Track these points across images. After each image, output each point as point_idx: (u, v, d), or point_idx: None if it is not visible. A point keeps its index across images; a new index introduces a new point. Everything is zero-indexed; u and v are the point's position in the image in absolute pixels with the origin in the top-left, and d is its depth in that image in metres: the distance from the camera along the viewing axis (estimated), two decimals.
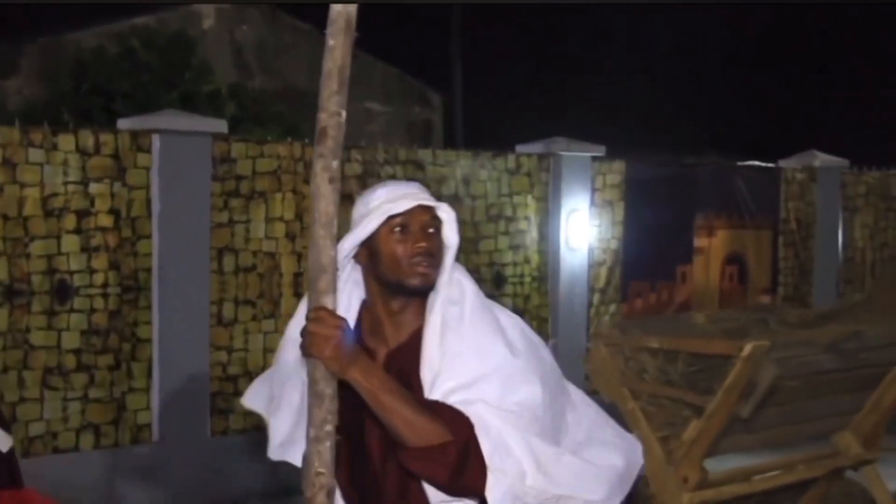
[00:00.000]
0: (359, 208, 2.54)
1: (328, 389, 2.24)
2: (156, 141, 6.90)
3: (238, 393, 6.82)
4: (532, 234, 8.89)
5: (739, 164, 11.07)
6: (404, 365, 2.50)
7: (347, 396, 2.35)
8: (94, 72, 12.14)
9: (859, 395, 5.50)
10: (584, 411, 2.65)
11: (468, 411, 2.36)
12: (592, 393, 5.40)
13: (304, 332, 2.27)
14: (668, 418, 5.13)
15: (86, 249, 6.71)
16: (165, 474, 6.98)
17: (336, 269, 2.25)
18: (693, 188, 9.84)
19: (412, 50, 16.58)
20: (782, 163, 10.80)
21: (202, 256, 7.11)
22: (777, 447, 5.84)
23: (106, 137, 6.78)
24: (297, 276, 7.53)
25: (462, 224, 8.76)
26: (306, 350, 2.27)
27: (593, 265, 9.20)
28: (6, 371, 6.44)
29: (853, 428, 5.53)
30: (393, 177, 7.99)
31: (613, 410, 5.18)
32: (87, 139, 6.70)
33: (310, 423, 2.27)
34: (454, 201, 8.33)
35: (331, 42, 2.20)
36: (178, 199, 6.97)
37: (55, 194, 6.59)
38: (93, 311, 6.76)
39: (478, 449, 2.34)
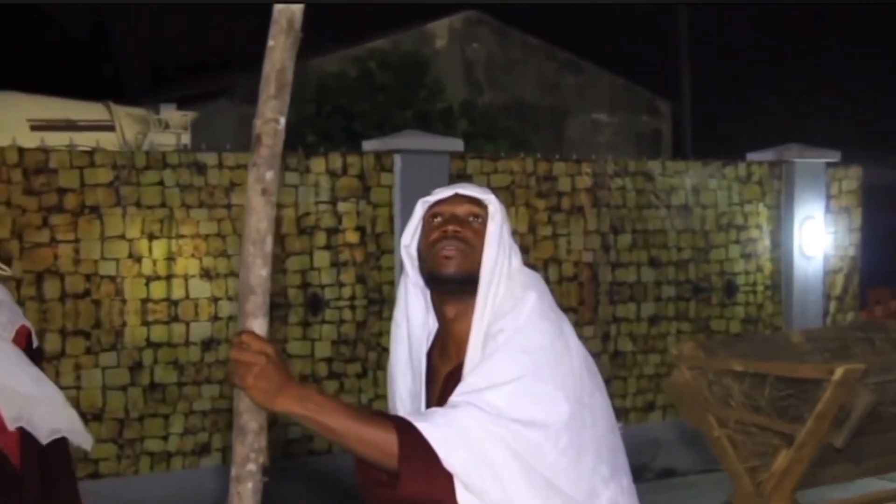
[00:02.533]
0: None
1: (253, 423, 1.98)
2: (397, 161, 7.32)
3: None
4: (764, 243, 8.83)
5: None
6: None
7: None
8: (336, 94, 12.84)
9: None
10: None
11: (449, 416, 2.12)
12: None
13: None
14: (756, 448, 4.77)
15: (335, 264, 7.20)
16: None
17: (266, 291, 2.01)
18: None
19: (639, 59, 16.63)
20: None
21: None
22: (881, 477, 5.43)
23: (352, 159, 7.26)
24: None
25: (692, 233, 8.72)
26: (229, 378, 2.04)
27: (829, 273, 9.03)
28: None
29: None
30: (622, 189, 8.13)
31: (699, 438, 5.00)
32: (336, 161, 7.19)
33: (232, 461, 2.01)
34: (684, 211, 8.40)
35: (270, 42, 1.98)
36: None
37: (307, 213, 7.11)
38: (342, 322, 7.24)
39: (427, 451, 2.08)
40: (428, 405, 2.35)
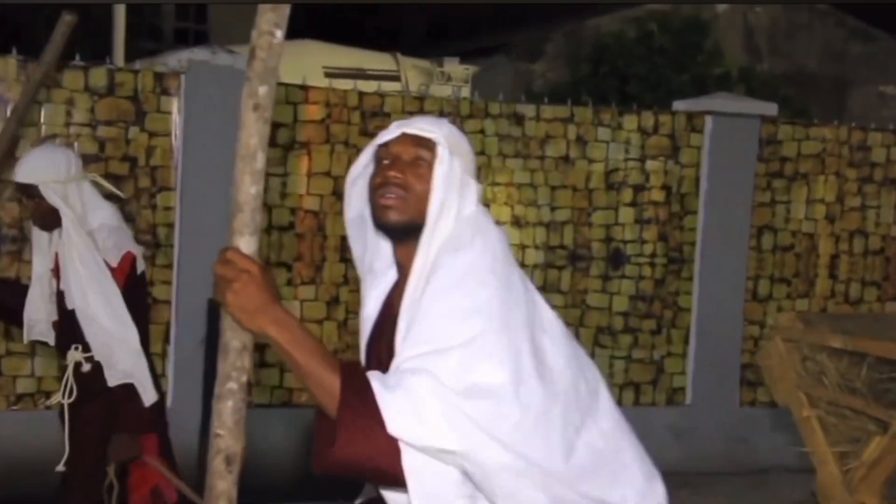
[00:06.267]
0: None
1: (235, 341, 1.96)
2: (708, 122, 7.32)
3: None
4: None
5: None
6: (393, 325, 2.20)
7: None
8: (613, 55, 12.85)
9: None
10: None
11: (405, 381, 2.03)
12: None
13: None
14: (850, 432, 4.37)
15: (639, 221, 7.28)
16: (694, 437, 7.40)
17: (255, 210, 1.95)
18: None
19: None
20: None
21: (742, 233, 7.44)
22: None
23: (664, 118, 7.31)
24: (834, 258, 7.67)
25: None
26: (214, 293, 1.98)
27: None
28: (566, 327, 7.15)
29: None
30: None
31: (787, 417, 4.62)
32: (648, 120, 7.26)
33: (217, 380, 1.99)
34: None
35: None
36: (725, 178, 7.35)
37: (616, 169, 7.22)
38: (641, 278, 7.33)
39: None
40: (378, 350, 2.29)
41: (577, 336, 7.14)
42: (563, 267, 7.15)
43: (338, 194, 6.42)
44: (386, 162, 2.23)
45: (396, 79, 11.30)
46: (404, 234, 2.21)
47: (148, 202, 6.24)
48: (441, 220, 2.18)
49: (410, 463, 2.00)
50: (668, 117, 7.33)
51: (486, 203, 6.93)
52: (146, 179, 6.23)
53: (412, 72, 11.79)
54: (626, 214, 7.26)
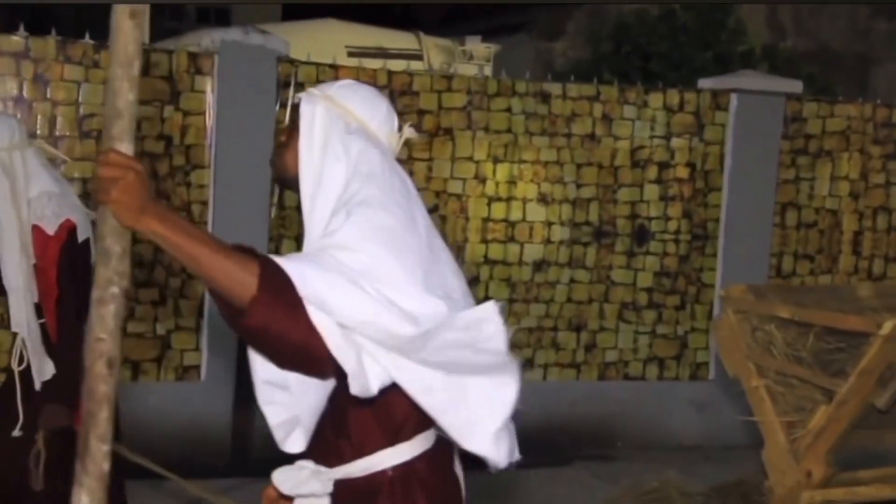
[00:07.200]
0: None
1: (116, 246, 1.98)
2: (733, 100, 7.38)
3: None
4: None
5: None
6: None
7: None
8: (635, 33, 12.87)
9: None
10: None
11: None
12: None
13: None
14: (797, 402, 4.40)
15: (663, 198, 7.36)
16: (717, 411, 7.49)
17: (133, 117, 1.97)
18: None
19: None
20: None
21: (767, 210, 7.51)
22: None
23: (689, 96, 7.37)
24: (858, 234, 7.73)
25: None
26: (94, 197, 2.01)
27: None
28: (591, 302, 7.27)
29: None
30: None
31: (737, 388, 4.61)
32: (673, 97, 7.33)
33: (95, 284, 2.01)
34: None
35: None
36: (749, 155, 7.41)
37: (641, 147, 7.30)
38: (665, 254, 7.41)
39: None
40: None
41: (602, 312, 7.28)
42: (589, 243, 7.24)
43: None
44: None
45: (419, 58, 11.34)
46: (292, 187, 2.37)
47: (182, 180, 6.36)
48: (306, 175, 2.30)
49: (331, 339, 2.08)
50: (693, 95, 7.39)
51: (512, 180, 7.04)
52: (180, 158, 6.35)
53: (434, 51, 11.83)
54: (651, 191, 7.34)
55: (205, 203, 6.40)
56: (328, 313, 2.08)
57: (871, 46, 13.65)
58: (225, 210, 6.35)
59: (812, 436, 4.25)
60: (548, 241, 7.17)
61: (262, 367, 2.20)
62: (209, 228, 6.38)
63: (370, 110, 2.39)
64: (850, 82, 12.96)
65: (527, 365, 7.14)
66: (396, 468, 2.30)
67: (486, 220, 7.04)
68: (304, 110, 2.34)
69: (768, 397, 4.42)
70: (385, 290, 2.12)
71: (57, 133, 6.05)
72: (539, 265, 7.16)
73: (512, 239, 7.10)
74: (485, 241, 7.04)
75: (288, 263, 2.09)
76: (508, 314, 7.10)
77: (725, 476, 5.76)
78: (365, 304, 2.09)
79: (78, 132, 6.12)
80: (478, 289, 7.02)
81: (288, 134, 2.40)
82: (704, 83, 7.55)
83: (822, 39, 13.71)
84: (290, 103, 6.26)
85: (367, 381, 2.12)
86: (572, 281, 7.18)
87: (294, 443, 2.27)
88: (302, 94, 2.39)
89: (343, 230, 2.18)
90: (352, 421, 2.28)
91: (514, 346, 6.67)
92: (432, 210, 6.89)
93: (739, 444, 7.30)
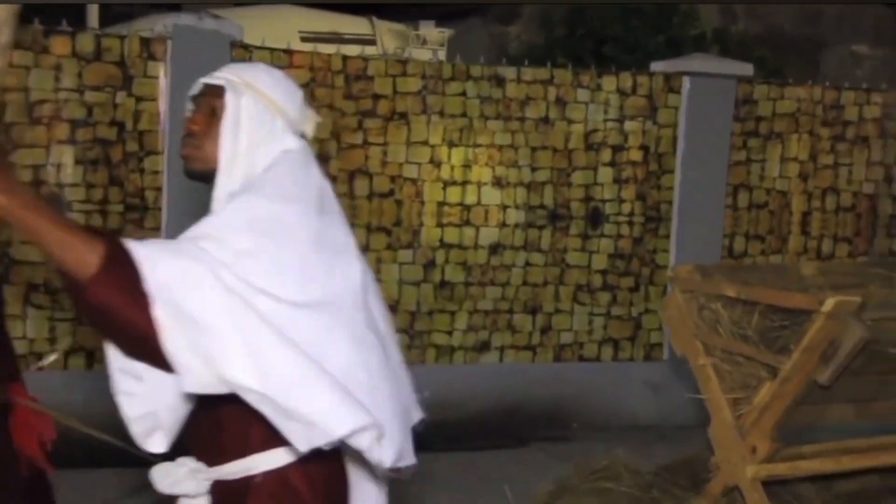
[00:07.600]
0: None
1: None
2: (686, 83, 7.46)
3: None
4: None
5: None
6: None
7: None
8: (589, 17, 12.93)
9: None
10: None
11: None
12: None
13: None
14: (742, 379, 4.46)
15: (617, 181, 7.43)
16: (671, 391, 7.57)
17: (1, 87, 1.92)
18: None
19: None
20: None
21: (719, 192, 7.61)
22: (879, 423, 4.91)
23: (642, 79, 7.44)
24: (807, 215, 7.85)
25: None
26: None
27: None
28: (546, 285, 7.32)
29: None
30: None
31: (689, 367, 4.69)
32: (627, 81, 7.39)
33: None
34: None
35: None
36: (702, 138, 7.50)
37: (595, 130, 7.35)
38: (619, 237, 7.48)
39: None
40: None
41: (557, 294, 7.34)
42: (544, 226, 7.29)
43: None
44: (187, 115, 2.31)
45: (372, 43, 11.33)
46: (205, 181, 2.31)
47: (136, 166, 6.33)
48: (225, 166, 2.25)
49: (165, 332, 2.02)
50: (646, 78, 7.46)
51: (467, 164, 7.06)
52: (134, 144, 6.31)
53: (388, 35, 11.82)
54: (605, 174, 7.40)
55: (159, 189, 6.38)
56: (177, 303, 2.02)
57: (821, 30, 13.82)
58: (179, 196, 6.32)
59: (757, 412, 4.32)
60: (503, 225, 7.21)
61: (114, 355, 2.12)
62: (163, 214, 6.36)
63: (290, 98, 2.33)
64: (801, 65, 13.11)
65: (483, 348, 7.20)
66: (268, 474, 2.22)
67: (442, 203, 7.06)
68: (229, 100, 2.25)
69: (715, 375, 4.48)
70: (250, 279, 2.06)
71: (7, 119, 5.99)
72: (494, 248, 7.20)
73: (467, 222, 7.13)
74: (440, 224, 7.07)
75: (141, 248, 2.04)
76: (465, 297, 7.15)
77: (679, 455, 5.83)
78: (220, 297, 2.03)
79: (28, 118, 6.07)
80: (434, 272, 7.06)
81: (204, 122, 2.27)
82: (657, 66, 7.62)
83: (773, 23, 13.86)
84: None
85: (202, 378, 2.05)
86: (527, 264, 7.24)
87: (156, 443, 2.19)
88: (219, 81, 2.28)
89: (218, 218, 2.15)
90: (226, 419, 2.22)
91: (471, 328, 6.66)
92: (387, 194, 6.92)
93: (693, 423, 7.39)
